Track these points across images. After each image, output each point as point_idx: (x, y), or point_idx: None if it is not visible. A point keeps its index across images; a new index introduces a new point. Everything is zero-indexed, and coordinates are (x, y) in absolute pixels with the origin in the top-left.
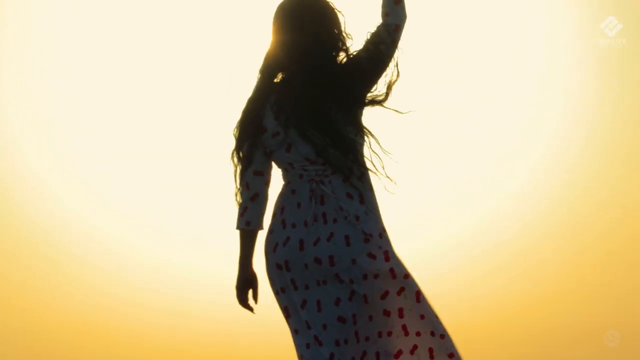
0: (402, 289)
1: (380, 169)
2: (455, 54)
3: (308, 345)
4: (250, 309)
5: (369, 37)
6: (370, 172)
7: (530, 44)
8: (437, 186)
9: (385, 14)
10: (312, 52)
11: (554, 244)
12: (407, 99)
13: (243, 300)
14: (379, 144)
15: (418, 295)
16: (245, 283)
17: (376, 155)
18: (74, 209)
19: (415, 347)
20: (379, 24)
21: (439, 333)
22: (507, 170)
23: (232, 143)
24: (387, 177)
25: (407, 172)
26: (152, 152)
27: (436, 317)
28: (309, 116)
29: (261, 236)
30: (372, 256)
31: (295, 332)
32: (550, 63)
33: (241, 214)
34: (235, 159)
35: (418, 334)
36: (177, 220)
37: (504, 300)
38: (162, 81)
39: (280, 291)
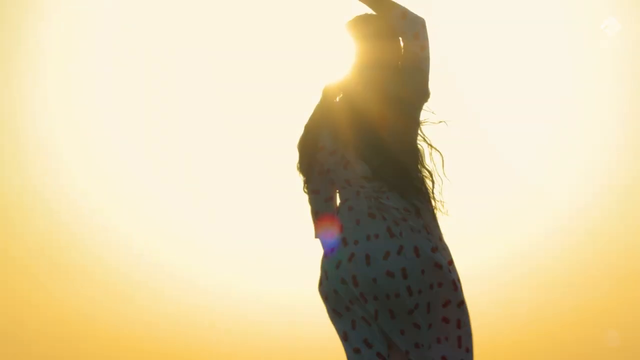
0: (462, 302)
1: (432, 190)
2: (456, 55)
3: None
4: None
5: (403, 54)
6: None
7: (530, 44)
8: (469, 208)
9: (402, 33)
10: (374, 76)
11: (555, 246)
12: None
13: None
14: (424, 164)
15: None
16: None
17: (429, 175)
18: (102, 213)
19: None
20: (402, 41)
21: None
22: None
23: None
24: (435, 199)
25: (445, 193)
26: (181, 157)
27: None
28: (366, 136)
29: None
30: (438, 266)
31: (355, 352)
32: (550, 63)
33: (314, 227)
34: (299, 172)
35: (467, 350)
36: (199, 226)
37: (506, 301)
38: (176, 84)
39: (349, 304)
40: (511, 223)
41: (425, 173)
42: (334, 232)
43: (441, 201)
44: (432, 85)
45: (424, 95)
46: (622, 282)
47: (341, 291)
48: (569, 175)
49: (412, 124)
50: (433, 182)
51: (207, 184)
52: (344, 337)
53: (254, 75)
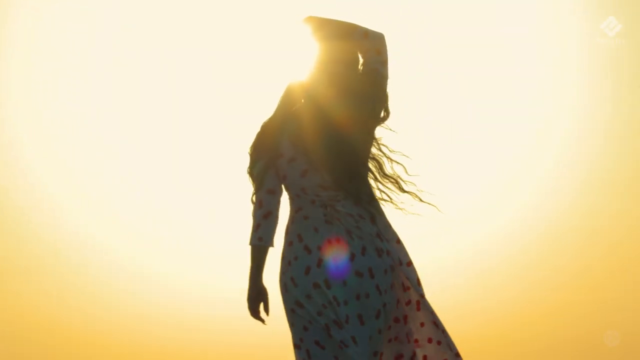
0: (409, 301)
1: (387, 195)
2: (456, 56)
3: None
4: (262, 320)
5: (362, 71)
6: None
7: (531, 44)
8: (448, 197)
9: (366, 51)
10: (336, 72)
11: (555, 246)
12: (415, 109)
13: (255, 312)
14: (385, 172)
15: (418, 305)
16: (257, 296)
17: (395, 182)
18: (76, 217)
19: (414, 354)
20: (362, 58)
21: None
22: (511, 179)
23: (246, 161)
24: (393, 202)
25: (418, 183)
26: (157, 161)
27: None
28: (330, 146)
29: (275, 265)
30: (392, 269)
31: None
32: (551, 63)
33: (254, 231)
34: (250, 178)
35: (416, 341)
36: (178, 230)
37: (506, 301)
38: (166, 89)
39: (322, 308)
40: (510, 219)
41: (390, 180)
42: (342, 256)
43: (396, 205)
44: (432, 77)
45: (381, 108)
46: (621, 281)
47: (315, 296)
48: (571, 175)
49: (371, 128)
50: (400, 187)
51: (193, 182)
52: (320, 341)
53: (240, 75)
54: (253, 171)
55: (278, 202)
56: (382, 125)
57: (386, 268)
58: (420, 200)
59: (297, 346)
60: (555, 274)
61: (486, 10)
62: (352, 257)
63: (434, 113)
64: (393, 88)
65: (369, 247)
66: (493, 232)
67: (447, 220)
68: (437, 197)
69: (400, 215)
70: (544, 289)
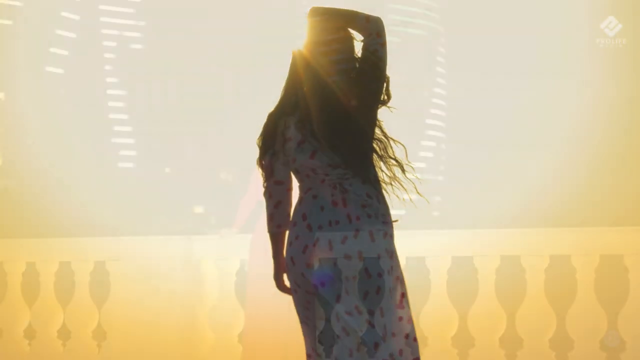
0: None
1: (390, 176)
2: (458, 54)
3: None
4: (289, 291)
5: (361, 54)
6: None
7: (531, 44)
8: (449, 182)
9: (369, 34)
10: (335, 73)
11: (555, 243)
12: (414, 108)
13: (282, 286)
14: (389, 154)
15: (402, 298)
16: (281, 272)
17: (398, 164)
18: (90, 205)
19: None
20: (363, 42)
21: (412, 336)
22: (510, 170)
23: (255, 151)
24: (399, 181)
25: (417, 168)
26: (161, 157)
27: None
28: (332, 127)
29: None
30: (389, 252)
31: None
32: (551, 62)
33: (270, 220)
34: (259, 166)
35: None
36: (190, 214)
37: (505, 299)
38: (172, 82)
39: (320, 285)
40: (506, 218)
41: (392, 162)
42: (328, 264)
43: (403, 186)
44: (434, 76)
45: (380, 87)
46: (622, 281)
47: (308, 274)
48: (570, 174)
49: (373, 108)
50: (402, 169)
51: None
52: (332, 302)
53: (236, 71)
54: (263, 161)
55: (286, 191)
56: (387, 106)
57: (379, 252)
58: (416, 190)
59: (301, 322)
60: (555, 273)
61: (486, 10)
62: (344, 239)
63: (433, 112)
64: (394, 88)
65: (364, 230)
66: (489, 228)
67: (443, 215)
68: (436, 179)
69: (397, 201)
70: (543, 288)
